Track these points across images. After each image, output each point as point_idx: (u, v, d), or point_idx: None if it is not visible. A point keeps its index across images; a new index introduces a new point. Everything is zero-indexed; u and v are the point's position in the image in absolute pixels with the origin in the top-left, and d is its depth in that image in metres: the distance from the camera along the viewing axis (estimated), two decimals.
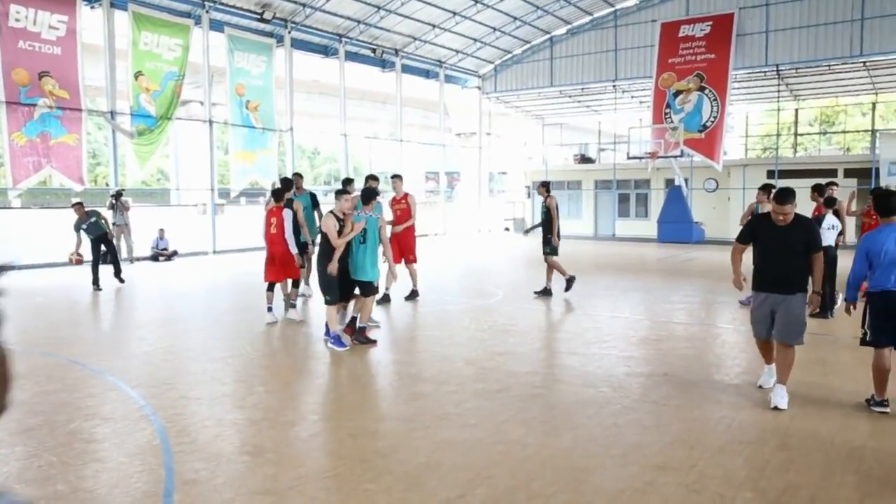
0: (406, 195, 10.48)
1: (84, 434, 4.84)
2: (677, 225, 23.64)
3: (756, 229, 5.66)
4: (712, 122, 23.09)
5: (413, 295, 10.61)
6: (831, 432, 4.83)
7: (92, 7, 16.95)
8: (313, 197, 10.92)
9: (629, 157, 25.27)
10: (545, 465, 4.27)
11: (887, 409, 5.17)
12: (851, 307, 5.59)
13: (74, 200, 12.51)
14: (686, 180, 24.53)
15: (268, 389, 5.99)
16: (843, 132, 34.63)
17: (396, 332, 8.78)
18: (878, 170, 21.45)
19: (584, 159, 30.76)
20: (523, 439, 4.72)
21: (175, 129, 29.06)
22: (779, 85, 24.62)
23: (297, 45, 22.14)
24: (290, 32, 21.33)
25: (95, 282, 12.21)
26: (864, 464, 4.30)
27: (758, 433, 4.82)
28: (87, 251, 12.66)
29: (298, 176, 11.10)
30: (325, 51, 23.58)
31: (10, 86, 14.90)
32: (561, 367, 6.96)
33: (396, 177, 10.75)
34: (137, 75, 17.22)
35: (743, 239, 5.81)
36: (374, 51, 24.34)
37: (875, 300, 5.27)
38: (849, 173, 22.95)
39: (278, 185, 10.03)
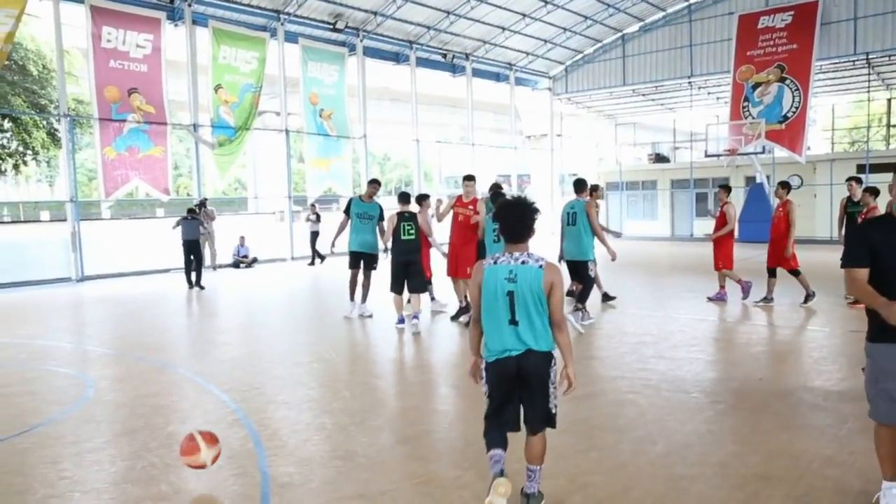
0: (475, 199, 9.28)
1: (181, 437, 4.98)
2: (759, 224, 22.62)
3: (878, 242, 3.44)
4: (794, 112, 22.12)
5: (461, 312, 9.37)
6: None
7: (175, 25, 17.64)
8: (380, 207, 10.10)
9: (707, 155, 24.50)
10: (641, 472, 4.14)
11: None
12: None
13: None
14: (768, 177, 23.59)
15: (353, 395, 6.04)
16: None
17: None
18: None
19: (659, 158, 30.03)
20: (616, 446, 4.59)
21: (252, 139, 29.98)
22: (869, 74, 23.41)
23: (369, 52, 22.45)
24: (361, 41, 21.67)
25: (191, 282, 13.79)
26: None
27: (869, 443, 4.53)
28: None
29: (377, 183, 10.25)
30: (397, 57, 23.82)
31: (103, 103, 15.66)
32: (650, 371, 6.76)
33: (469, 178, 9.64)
34: (217, 88, 17.82)
35: (860, 260, 3.47)
36: (444, 56, 24.45)
37: None
38: None
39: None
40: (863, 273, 3.46)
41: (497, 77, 27.69)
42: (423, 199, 10.24)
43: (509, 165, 29.21)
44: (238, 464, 4.40)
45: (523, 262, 3.55)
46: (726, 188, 10.83)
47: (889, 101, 28.63)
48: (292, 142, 20.90)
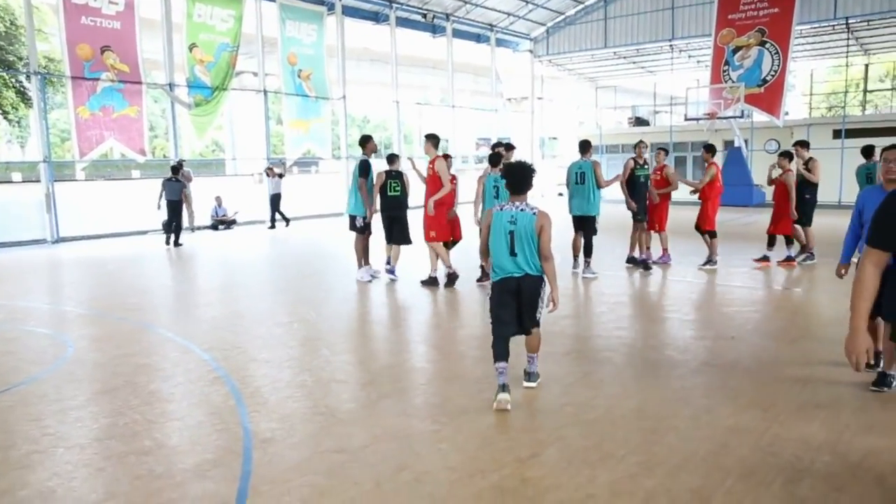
0: (435, 158, 9.05)
1: (164, 394, 5.03)
2: (737, 188, 22.93)
3: None
4: (773, 75, 22.22)
5: (432, 282, 9.25)
6: None
7: None
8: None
9: (686, 119, 24.60)
10: (616, 425, 4.26)
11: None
12: None
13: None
14: (746, 141, 23.77)
15: (333, 353, 6.11)
16: None
17: (459, 298, 8.82)
18: None
19: (640, 121, 30.08)
20: (592, 401, 4.71)
21: (229, 100, 29.50)
22: (848, 39, 23.51)
23: (348, 12, 22.09)
24: (340, 0, 21.28)
25: (170, 241, 14.37)
26: None
27: (834, 396, 4.70)
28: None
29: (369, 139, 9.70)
30: (376, 17, 23.47)
31: (75, 61, 15.30)
32: (626, 330, 6.90)
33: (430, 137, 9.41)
34: (192, 47, 17.48)
35: (887, 240, 2.82)
36: (424, 16, 24.13)
37: None
38: None
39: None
40: (883, 256, 2.82)
41: (478, 38, 27.42)
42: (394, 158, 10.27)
43: (490, 128, 29.09)
44: (221, 420, 4.46)
45: (522, 210, 4.70)
46: (711, 149, 10.84)
47: (867, 66, 28.81)
48: (270, 103, 20.64)
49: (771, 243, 10.57)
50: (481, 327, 7.18)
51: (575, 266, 10.03)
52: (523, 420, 4.41)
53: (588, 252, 9.78)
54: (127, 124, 16.41)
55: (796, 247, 10.64)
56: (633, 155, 10.06)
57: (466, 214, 9.52)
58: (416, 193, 9.70)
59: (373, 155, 9.56)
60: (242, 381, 5.25)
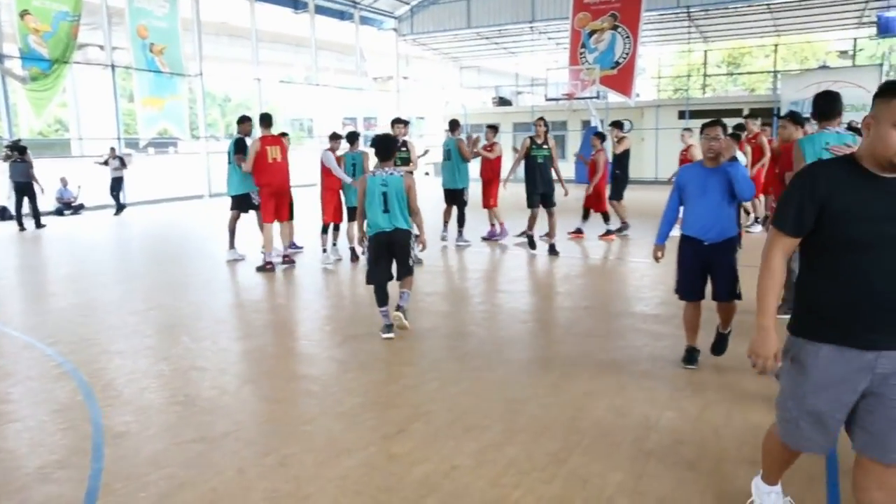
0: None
1: None
2: None
3: (832, 199, 2.25)
4: (624, 58, 23.44)
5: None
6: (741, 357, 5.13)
7: None
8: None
9: (547, 99, 25.41)
10: (479, 397, 4.38)
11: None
12: None
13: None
14: (601, 121, 24.97)
15: (193, 339, 5.85)
16: (749, 73, 35.91)
17: (327, 277, 8.70)
18: (779, 109, 22.40)
19: (503, 101, 30.79)
20: (457, 375, 4.81)
21: (74, 76, 27.26)
22: (689, 27, 25.18)
23: None
24: None
25: (22, 225, 14.03)
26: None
27: (678, 357, 5.07)
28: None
29: (248, 120, 9.57)
30: None
31: None
32: (489, 304, 7.09)
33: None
34: (23, 14, 15.91)
35: (798, 226, 2.34)
36: None
37: None
38: (754, 113, 23.88)
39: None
40: (790, 243, 2.42)
41: (341, 15, 26.92)
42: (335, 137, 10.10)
43: (355, 107, 28.76)
44: (66, 418, 4.16)
45: (391, 174, 5.67)
46: (600, 136, 11.37)
47: (706, 52, 31.00)
48: (121, 79, 19.28)
49: (585, 216, 11.37)
50: (348, 309, 7.14)
51: (444, 235, 10.78)
52: (390, 397, 4.44)
53: (461, 222, 10.64)
54: None
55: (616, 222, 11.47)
56: (532, 133, 9.70)
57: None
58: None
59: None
60: (93, 375, 4.92)
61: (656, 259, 4.90)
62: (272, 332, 6.25)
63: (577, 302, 7.01)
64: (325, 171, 9.25)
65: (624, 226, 11.53)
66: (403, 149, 9.45)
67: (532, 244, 10.03)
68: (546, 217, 9.85)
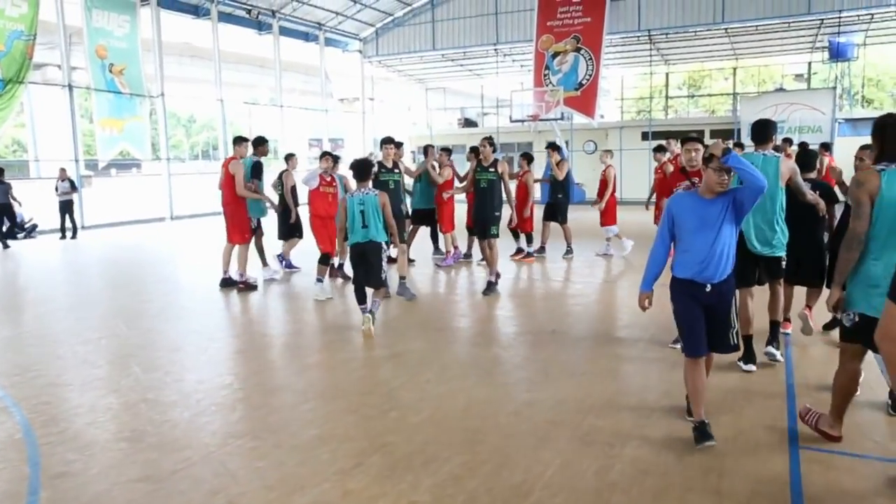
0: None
1: None
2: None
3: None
4: (588, 79, 23.75)
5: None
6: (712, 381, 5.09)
7: None
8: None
9: (512, 121, 25.59)
10: (440, 427, 4.25)
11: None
12: None
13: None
14: (567, 142, 25.18)
15: (145, 369, 5.63)
16: (709, 95, 36.64)
17: (289, 303, 8.51)
18: (739, 131, 22.85)
19: (468, 123, 30.91)
20: (417, 404, 4.68)
21: (30, 96, 26.72)
22: (651, 50, 25.61)
23: (165, 3, 20.76)
24: None
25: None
26: (737, 405, 4.56)
27: (642, 384, 5.01)
28: None
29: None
30: (196, 11, 22.26)
31: None
32: (452, 329, 6.98)
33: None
34: None
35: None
36: (249, 11, 23.22)
37: None
38: (714, 134, 24.32)
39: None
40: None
41: (306, 37, 26.86)
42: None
43: (321, 129, 28.61)
44: (2, 458, 3.93)
45: (367, 193, 6.61)
46: (527, 156, 11.72)
47: (667, 75, 31.55)
48: (80, 100, 18.88)
49: (516, 237, 11.40)
50: (309, 336, 6.97)
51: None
52: (347, 428, 4.28)
53: (435, 238, 11.32)
54: None
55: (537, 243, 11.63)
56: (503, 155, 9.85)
57: None
58: None
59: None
60: (34, 410, 4.68)
61: (643, 308, 4.12)
62: (228, 362, 6.05)
63: (542, 326, 6.94)
64: (314, 196, 8.90)
65: (542, 249, 11.57)
66: (396, 170, 9.19)
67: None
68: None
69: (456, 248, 10.98)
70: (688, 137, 5.00)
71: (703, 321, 3.93)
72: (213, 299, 8.56)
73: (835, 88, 24.97)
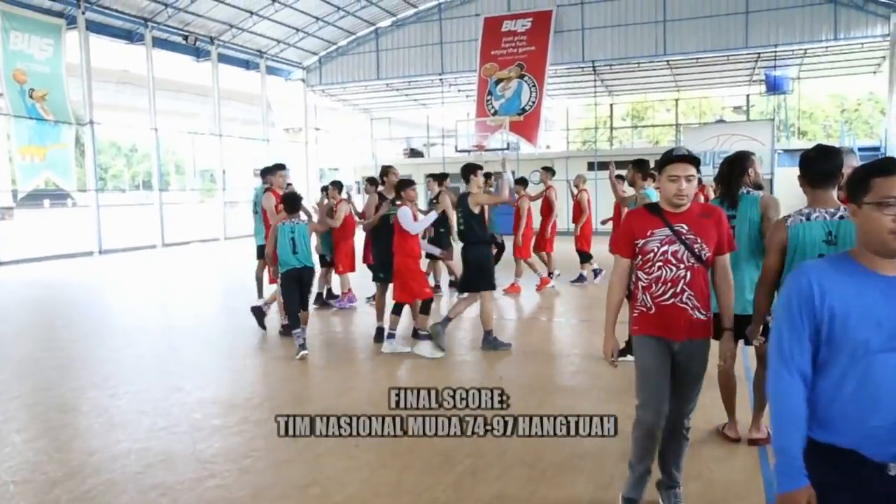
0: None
1: None
2: (506, 217, 23.95)
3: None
4: (531, 106, 23.68)
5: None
6: None
7: None
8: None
9: (457, 151, 25.27)
10: None
11: None
12: None
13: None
14: (513, 172, 24.91)
15: (26, 439, 4.82)
16: (652, 126, 37.19)
17: (211, 346, 7.74)
18: None
19: (414, 153, 30.51)
20: (343, 476, 4.02)
21: None
22: (595, 81, 25.72)
23: (94, 28, 19.80)
24: (84, 13, 18.96)
25: None
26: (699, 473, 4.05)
27: (598, 444, 4.46)
28: None
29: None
30: (130, 36, 21.36)
31: None
32: (381, 383, 6.34)
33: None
34: None
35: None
36: (186, 38, 22.42)
37: None
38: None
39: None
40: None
41: (247, 65, 26.14)
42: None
43: (264, 159, 27.71)
44: None
45: (297, 223, 7.07)
46: (553, 170, 12.76)
47: (611, 105, 31.88)
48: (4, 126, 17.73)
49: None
50: (221, 390, 6.22)
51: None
52: None
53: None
54: None
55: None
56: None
57: None
58: None
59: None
60: None
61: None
62: (127, 423, 5.25)
63: (488, 373, 6.36)
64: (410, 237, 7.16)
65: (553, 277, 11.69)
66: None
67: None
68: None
69: (349, 289, 9.85)
70: (674, 157, 3.24)
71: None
72: (125, 345, 7.72)
73: (773, 120, 25.48)
